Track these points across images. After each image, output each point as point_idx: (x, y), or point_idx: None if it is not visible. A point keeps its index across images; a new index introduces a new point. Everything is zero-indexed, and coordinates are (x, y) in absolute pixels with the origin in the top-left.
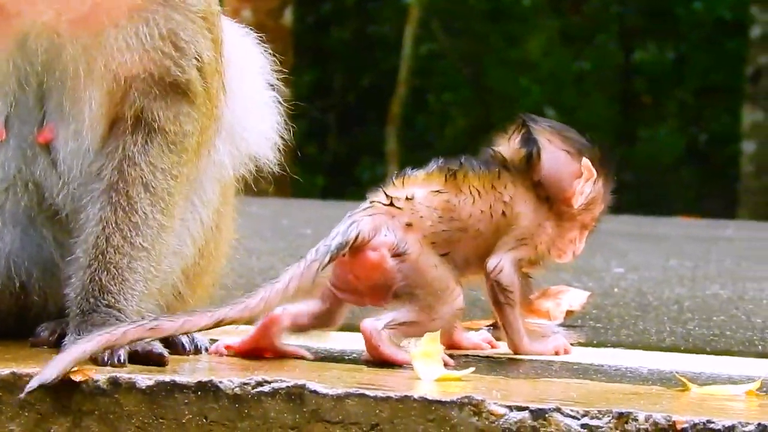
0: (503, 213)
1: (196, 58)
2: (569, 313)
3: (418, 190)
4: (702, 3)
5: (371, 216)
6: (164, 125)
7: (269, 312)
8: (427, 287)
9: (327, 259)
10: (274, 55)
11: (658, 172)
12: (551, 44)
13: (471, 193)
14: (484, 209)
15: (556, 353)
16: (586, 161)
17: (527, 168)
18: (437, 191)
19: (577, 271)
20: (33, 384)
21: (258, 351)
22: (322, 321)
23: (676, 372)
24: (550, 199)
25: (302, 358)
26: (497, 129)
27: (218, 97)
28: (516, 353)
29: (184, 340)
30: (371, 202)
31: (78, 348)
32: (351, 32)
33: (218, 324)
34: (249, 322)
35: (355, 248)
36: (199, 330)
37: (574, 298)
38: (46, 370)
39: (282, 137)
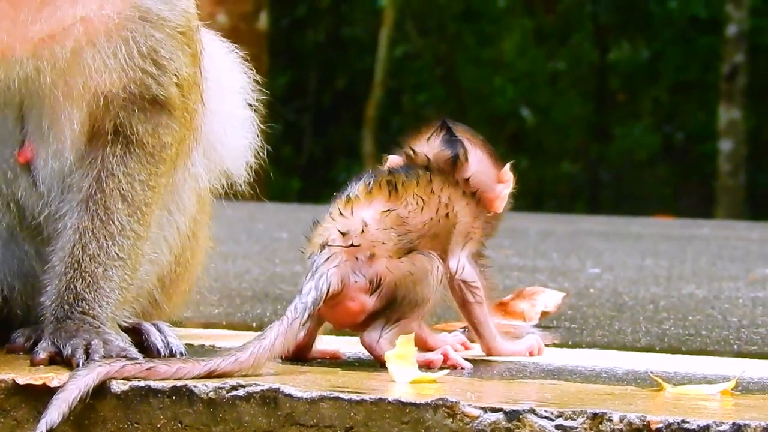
0: (447, 215)
1: (175, 75)
2: (544, 313)
3: (367, 213)
4: (677, 1)
5: (336, 267)
6: (143, 138)
7: (260, 369)
8: (411, 291)
9: (306, 315)
10: (247, 60)
11: (634, 170)
12: (525, 44)
13: (416, 203)
14: (432, 215)
15: (530, 354)
16: (507, 168)
17: (453, 168)
18: (387, 211)
19: (552, 271)
20: (41, 428)
21: (299, 355)
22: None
23: (651, 372)
24: (476, 194)
25: (338, 358)
26: (472, 127)
27: (196, 109)
28: (489, 354)
29: (159, 344)
30: (329, 247)
31: (78, 383)
32: (325, 34)
33: (210, 374)
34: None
35: (330, 300)
36: (192, 378)
37: (549, 298)
38: (50, 411)
39: (258, 142)
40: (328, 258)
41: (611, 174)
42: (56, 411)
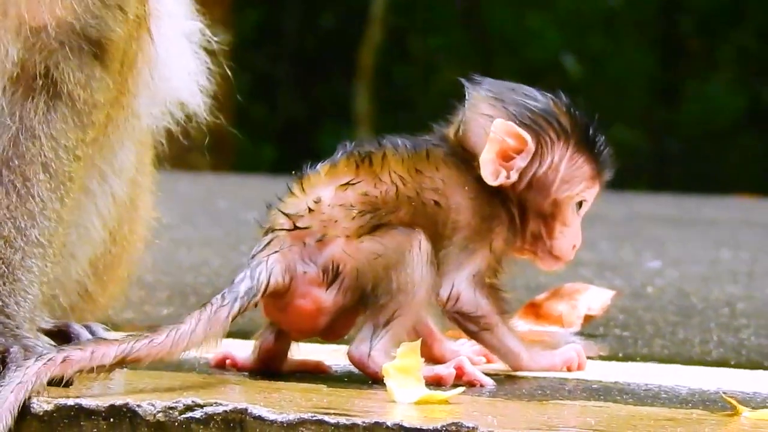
0: (436, 203)
1: (121, 10)
2: (588, 318)
3: (324, 190)
4: None
5: (279, 253)
6: (72, 90)
7: (176, 355)
8: (383, 279)
9: (237, 306)
10: None
11: (711, 139)
12: None
13: (392, 181)
14: (411, 196)
15: (568, 369)
16: (498, 124)
17: (462, 148)
18: (346, 184)
19: (599, 265)
20: None
21: (269, 368)
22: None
23: (724, 392)
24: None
25: (324, 372)
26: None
27: (137, 66)
28: (516, 370)
29: None
30: (273, 231)
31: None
32: None
33: (124, 359)
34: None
35: (278, 297)
36: (111, 363)
37: (595, 299)
38: None
39: (215, 91)
40: (268, 243)
41: (681, 143)
42: None
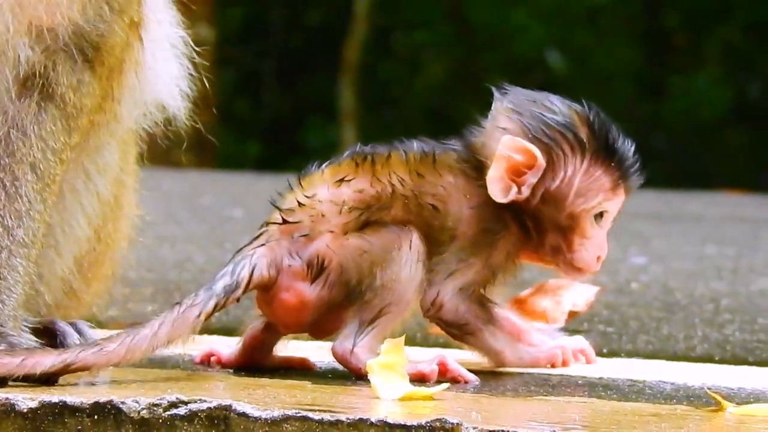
0: (434, 207)
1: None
2: (572, 314)
3: (321, 187)
4: None
5: (266, 246)
6: (65, 93)
7: (135, 361)
8: (368, 275)
9: (211, 304)
10: None
11: (697, 134)
12: None
13: (391, 181)
14: (408, 196)
15: (552, 365)
16: (506, 141)
17: (477, 159)
18: (341, 180)
19: None
20: None
21: (254, 362)
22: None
23: (709, 387)
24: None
25: (309, 369)
26: (485, 79)
27: (125, 71)
28: (500, 366)
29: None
30: (266, 225)
31: None
32: None
33: (66, 368)
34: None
35: (264, 290)
36: (45, 373)
37: (579, 294)
38: None
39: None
40: (256, 237)
41: (667, 139)
42: None
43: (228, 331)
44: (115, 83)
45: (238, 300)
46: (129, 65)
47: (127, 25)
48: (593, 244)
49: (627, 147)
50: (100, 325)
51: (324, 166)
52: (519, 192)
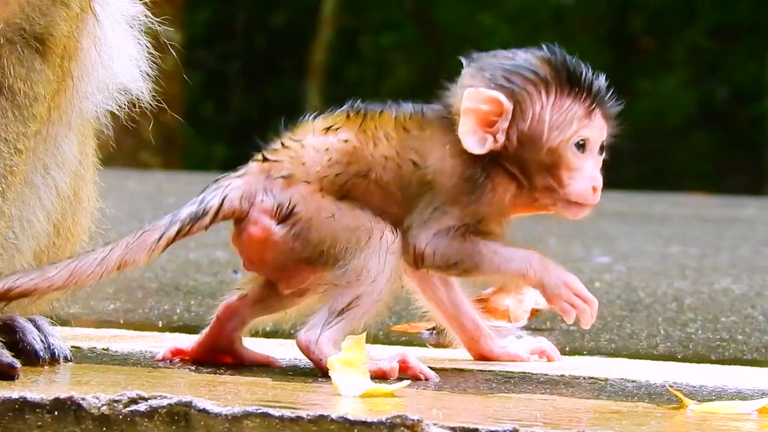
0: (414, 163)
1: (65, 6)
2: (535, 312)
3: (309, 135)
4: None
5: (242, 178)
6: (13, 84)
7: (79, 288)
8: (334, 246)
9: (174, 229)
10: None
11: (663, 136)
12: None
13: (376, 135)
14: (388, 155)
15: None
16: (468, 93)
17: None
18: (329, 128)
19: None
20: None
21: (215, 355)
22: (266, 307)
23: (671, 385)
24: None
25: (271, 365)
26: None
27: (84, 49)
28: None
29: (37, 346)
30: (253, 161)
31: None
32: None
33: (6, 294)
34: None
35: (236, 222)
36: None
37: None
38: None
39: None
40: (237, 170)
41: (633, 141)
42: None
43: (190, 329)
44: (73, 65)
45: (206, 228)
46: (88, 43)
47: (75, 13)
48: (583, 175)
49: (593, 75)
50: (61, 321)
51: (318, 116)
52: (495, 141)
